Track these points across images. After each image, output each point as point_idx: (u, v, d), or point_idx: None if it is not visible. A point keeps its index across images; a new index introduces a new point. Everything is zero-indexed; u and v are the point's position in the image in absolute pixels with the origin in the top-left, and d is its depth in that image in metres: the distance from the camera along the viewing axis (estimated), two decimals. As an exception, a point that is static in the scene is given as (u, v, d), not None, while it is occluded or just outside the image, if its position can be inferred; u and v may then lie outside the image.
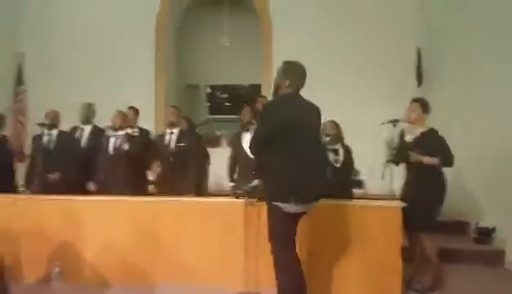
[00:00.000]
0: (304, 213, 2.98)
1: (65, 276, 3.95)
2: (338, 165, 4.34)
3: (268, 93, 7.59)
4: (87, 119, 5.32)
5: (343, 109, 5.95)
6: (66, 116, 5.31)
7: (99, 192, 4.64)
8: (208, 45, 8.91)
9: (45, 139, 4.75)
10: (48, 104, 5.55)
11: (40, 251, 4.00)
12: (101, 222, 4.00)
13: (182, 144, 4.86)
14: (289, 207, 2.83)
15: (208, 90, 10.81)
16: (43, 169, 4.51)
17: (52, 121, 4.88)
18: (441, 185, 3.81)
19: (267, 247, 2.99)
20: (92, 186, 4.80)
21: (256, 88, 8.44)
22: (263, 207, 3.44)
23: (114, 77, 7.58)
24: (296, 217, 2.94)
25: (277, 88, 3.03)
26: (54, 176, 4.63)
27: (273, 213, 2.89)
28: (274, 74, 7.21)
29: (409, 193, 3.85)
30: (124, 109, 5.16)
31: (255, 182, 3.68)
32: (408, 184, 3.91)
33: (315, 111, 3.04)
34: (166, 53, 8.08)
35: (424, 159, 3.74)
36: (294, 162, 2.82)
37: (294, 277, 2.90)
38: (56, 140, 4.81)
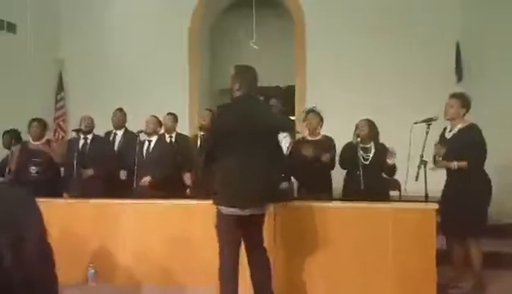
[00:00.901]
0: (249, 217, 2.92)
1: (100, 277, 4.05)
2: (366, 163, 4.20)
3: (302, 93, 7.61)
4: (119, 124, 5.50)
5: (380, 107, 5.86)
6: (105, 121, 5.55)
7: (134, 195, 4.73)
8: (242, 48, 8.92)
9: (80, 143, 4.90)
10: (87, 109, 5.78)
11: (75, 253, 4.13)
12: (135, 225, 4.08)
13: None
14: (226, 210, 2.88)
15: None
16: (78, 172, 4.64)
17: (87, 126, 5.03)
18: (487, 186, 3.63)
19: (291, 250, 2.95)
20: (123, 175, 4.87)
21: (292, 89, 8.38)
22: (288, 210, 3.42)
23: (149, 82, 7.73)
24: (237, 221, 2.91)
25: (231, 92, 3.08)
26: (89, 172, 4.76)
27: (216, 215, 2.96)
28: (308, 75, 7.27)
29: (451, 196, 3.69)
30: (158, 114, 5.29)
31: (284, 184, 3.64)
32: (450, 186, 3.75)
33: (267, 113, 3.04)
34: (200, 57, 8.15)
35: (450, 165, 3.58)
36: (232, 166, 2.86)
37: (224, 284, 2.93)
38: (90, 145, 4.96)
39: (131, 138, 5.26)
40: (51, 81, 8.20)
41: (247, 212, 2.89)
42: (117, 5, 8.25)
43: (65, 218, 4.22)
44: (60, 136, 7.90)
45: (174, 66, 7.77)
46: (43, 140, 5.22)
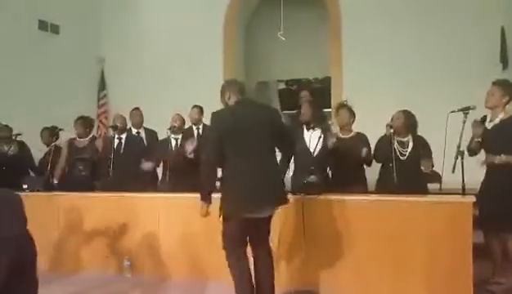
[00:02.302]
0: (255, 220, 2.90)
1: (135, 269, 4.19)
2: (403, 158, 4.06)
3: (338, 85, 7.48)
4: (137, 123, 5.74)
5: (419, 98, 5.64)
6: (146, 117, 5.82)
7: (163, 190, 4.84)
8: (276, 40, 8.86)
9: (116, 141, 5.06)
10: (127, 106, 5.97)
11: (111, 245, 4.29)
12: (168, 218, 4.17)
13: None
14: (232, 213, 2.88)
15: (279, 86, 10.79)
16: (114, 169, 4.79)
17: (121, 124, 5.18)
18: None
19: (321, 244, 2.90)
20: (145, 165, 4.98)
21: (328, 81, 8.26)
22: (317, 203, 3.37)
23: (184, 78, 7.85)
24: (243, 224, 2.90)
25: (225, 102, 3.11)
26: (148, 166, 4.91)
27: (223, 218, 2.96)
28: (344, 66, 7.12)
29: (491, 189, 3.52)
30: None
31: (312, 177, 3.59)
32: (490, 179, 3.57)
33: (267, 113, 3.02)
34: (235, 50, 8.19)
35: (495, 160, 3.39)
36: (236, 169, 2.87)
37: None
38: (125, 142, 5.10)
39: (152, 135, 5.55)
40: (93, 79, 8.51)
41: (254, 215, 2.89)
42: (153, 3, 8.43)
43: (102, 212, 4.38)
44: (103, 133, 8.19)
45: (209, 61, 7.86)
46: (89, 137, 5.40)
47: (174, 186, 4.58)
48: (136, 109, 5.86)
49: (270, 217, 3.05)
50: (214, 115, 2.97)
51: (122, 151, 5.00)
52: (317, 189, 3.58)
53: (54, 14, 7.67)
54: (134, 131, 5.70)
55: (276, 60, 8.99)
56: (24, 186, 4.80)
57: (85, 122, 5.40)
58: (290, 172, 3.93)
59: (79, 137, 5.37)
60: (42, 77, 7.24)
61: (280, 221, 3.71)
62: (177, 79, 7.91)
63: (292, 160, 4.34)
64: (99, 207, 4.42)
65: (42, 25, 7.50)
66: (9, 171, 5.18)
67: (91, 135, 5.46)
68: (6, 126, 5.57)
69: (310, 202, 3.57)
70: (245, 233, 2.99)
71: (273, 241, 3.70)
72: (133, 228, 4.26)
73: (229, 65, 8.01)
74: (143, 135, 5.75)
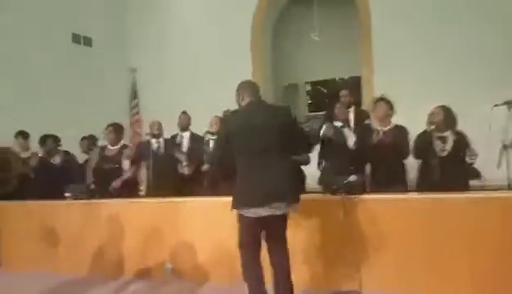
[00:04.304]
0: (267, 218, 2.90)
1: (176, 273, 4.24)
2: (443, 154, 3.98)
3: (369, 83, 7.40)
4: (184, 126, 5.75)
5: (453, 93, 5.52)
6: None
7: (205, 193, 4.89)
8: (304, 41, 8.87)
9: (154, 146, 5.14)
10: (158, 114, 6.07)
11: (153, 249, 4.35)
12: (209, 221, 4.20)
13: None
14: (246, 212, 2.91)
15: (307, 87, 10.75)
16: (153, 172, 4.87)
17: (158, 130, 5.26)
18: None
19: (363, 244, 2.86)
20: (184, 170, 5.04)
21: (356, 80, 8.18)
22: (359, 202, 3.34)
23: (213, 82, 7.93)
24: (255, 222, 2.92)
25: (239, 103, 3.16)
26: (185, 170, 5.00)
27: (237, 218, 3.01)
28: (375, 65, 7.05)
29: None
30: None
31: (352, 177, 3.56)
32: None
33: (277, 114, 3.03)
34: (263, 53, 8.23)
35: None
36: (245, 168, 2.92)
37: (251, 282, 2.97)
38: (164, 147, 5.19)
39: (198, 139, 5.52)
40: (125, 89, 8.71)
41: (267, 212, 2.89)
42: (181, 12, 8.55)
43: (142, 217, 4.46)
44: (137, 141, 8.36)
45: (237, 65, 7.91)
46: (120, 144, 5.40)
47: (215, 189, 4.63)
48: (184, 112, 5.89)
49: (282, 217, 3.04)
50: (224, 116, 3.05)
51: (161, 155, 5.07)
52: (358, 188, 3.54)
53: (87, 27, 7.92)
54: (181, 134, 5.73)
55: (304, 61, 8.98)
56: (67, 194, 4.94)
57: (114, 130, 5.39)
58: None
59: (110, 145, 5.40)
60: (76, 88, 7.47)
61: (320, 221, 3.69)
62: (206, 84, 8.00)
63: (323, 157, 4.37)
64: (139, 212, 4.51)
65: (76, 38, 7.76)
66: (55, 180, 5.34)
67: (121, 143, 5.45)
68: (53, 136, 5.76)
69: (351, 202, 3.54)
70: (258, 233, 3.02)
71: (313, 241, 3.71)
72: (174, 232, 4.31)
73: (257, 68, 8.05)
74: (186, 138, 5.76)
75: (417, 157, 4.20)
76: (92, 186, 5.17)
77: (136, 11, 8.85)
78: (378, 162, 4.20)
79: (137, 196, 5.33)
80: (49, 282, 4.38)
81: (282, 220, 3.05)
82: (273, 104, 3.30)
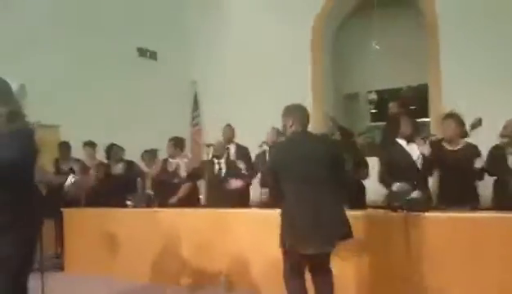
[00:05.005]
0: (316, 255, 2.80)
1: (231, 285, 4.19)
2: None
3: (436, 92, 7.01)
4: (228, 139, 5.82)
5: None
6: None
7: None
8: (365, 49, 8.61)
9: (216, 167, 5.22)
10: (219, 125, 6.14)
11: (207, 260, 4.35)
12: (263, 233, 4.11)
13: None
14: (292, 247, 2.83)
15: (370, 96, 10.40)
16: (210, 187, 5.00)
17: (221, 152, 5.32)
18: None
19: (429, 264, 2.63)
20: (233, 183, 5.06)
21: (422, 88, 7.79)
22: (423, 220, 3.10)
23: (273, 92, 7.85)
24: (302, 258, 2.85)
25: (284, 128, 3.12)
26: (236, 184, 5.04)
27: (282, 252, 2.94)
28: (442, 73, 6.70)
29: None
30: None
31: (416, 193, 3.33)
32: None
33: (324, 146, 2.99)
34: (323, 62, 8.13)
35: None
36: (291, 206, 2.85)
37: None
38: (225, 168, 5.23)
39: (243, 151, 5.62)
40: (186, 101, 8.94)
41: (316, 250, 2.80)
42: (242, 25, 8.65)
43: (199, 227, 4.48)
44: (199, 159, 8.52)
45: (297, 75, 7.85)
46: (179, 156, 5.60)
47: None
48: (228, 125, 6.01)
49: (328, 253, 2.94)
50: (271, 149, 3.06)
51: (222, 175, 5.13)
52: (422, 205, 3.30)
53: (152, 41, 8.25)
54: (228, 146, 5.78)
55: (366, 69, 8.72)
56: (128, 202, 5.10)
57: (175, 144, 5.61)
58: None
59: (170, 157, 5.61)
60: (141, 100, 7.76)
61: (380, 240, 3.48)
62: (266, 95, 7.98)
63: (387, 172, 4.14)
64: (196, 222, 4.54)
65: (142, 52, 8.11)
66: (118, 188, 5.55)
67: (181, 155, 5.65)
68: (118, 146, 6.02)
69: (414, 220, 3.30)
70: (303, 266, 2.95)
71: (372, 261, 3.50)
72: (229, 242, 4.28)
73: (317, 77, 7.95)
74: (232, 150, 5.82)
75: (491, 174, 3.85)
76: (152, 196, 5.31)
77: (198, 24, 9.07)
78: (447, 178, 3.91)
79: (196, 205, 5.38)
80: (108, 286, 4.52)
81: (330, 254, 2.96)
82: (321, 135, 3.33)
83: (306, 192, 2.81)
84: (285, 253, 2.95)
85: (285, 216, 2.89)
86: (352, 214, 3.66)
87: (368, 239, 3.53)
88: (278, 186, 2.94)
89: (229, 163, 5.27)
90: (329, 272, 2.98)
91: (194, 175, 5.37)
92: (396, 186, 3.36)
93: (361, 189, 4.60)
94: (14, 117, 2.05)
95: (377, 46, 7.03)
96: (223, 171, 5.15)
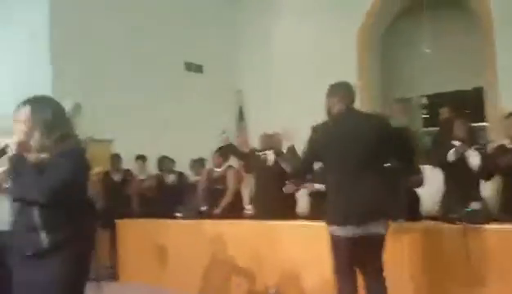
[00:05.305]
0: (362, 239, 2.65)
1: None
2: None
3: (493, 95, 6.65)
4: (266, 146, 5.57)
5: None
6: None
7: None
8: (416, 53, 8.34)
9: (262, 157, 5.23)
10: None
11: (256, 272, 4.32)
12: (313, 246, 4.03)
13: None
14: (337, 230, 2.72)
15: (423, 100, 10.05)
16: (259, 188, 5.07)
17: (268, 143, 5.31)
18: None
19: (492, 280, 2.45)
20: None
21: (478, 92, 7.44)
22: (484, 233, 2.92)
23: (320, 100, 7.77)
24: (349, 243, 2.69)
25: (329, 110, 2.97)
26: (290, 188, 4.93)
27: (330, 240, 2.82)
28: (499, 75, 6.38)
29: None
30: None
31: (476, 204, 3.14)
32: None
33: (371, 124, 2.77)
34: (371, 66, 7.96)
35: None
36: (336, 183, 2.78)
37: None
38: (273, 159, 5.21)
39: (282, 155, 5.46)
40: (232, 111, 9.02)
41: (359, 232, 2.65)
42: (286, 34, 8.63)
43: (248, 238, 4.47)
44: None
45: (343, 76, 7.67)
46: (224, 166, 5.61)
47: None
48: (264, 134, 5.82)
49: (379, 240, 2.74)
50: (313, 129, 2.96)
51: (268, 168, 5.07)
52: (483, 217, 3.10)
53: (198, 55, 8.42)
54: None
55: (417, 73, 8.45)
56: (178, 214, 5.19)
57: (221, 154, 5.63)
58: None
59: (215, 167, 5.65)
60: (188, 112, 7.91)
61: (436, 255, 3.30)
62: (312, 102, 7.86)
63: (442, 180, 3.93)
64: (243, 233, 4.52)
65: (188, 66, 8.30)
66: (169, 199, 5.67)
67: (226, 165, 5.64)
68: (168, 158, 6.15)
69: (474, 233, 3.10)
70: (352, 257, 2.77)
71: (427, 278, 3.32)
72: (277, 255, 4.23)
73: (365, 82, 7.74)
74: (272, 156, 5.71)
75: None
76: (202, 207, 5.38)
77: (243, 35, 9.15)
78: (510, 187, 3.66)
79: (243, 216, 5.38)
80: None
81: (378, 243, 2.76)
82: (369, 113, 3.13)
83: (352, 173, 2.70)
84: (333, 245, 2.81)
85: (330, 198, 2.82)
86: (405, 226, 3.56)
87: (424, 253, 3.36)
88: (308, 163, 3.01)
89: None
90: (380, 273, 2.79)
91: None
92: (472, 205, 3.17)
93: (415, 199, 4.40)
94: (65, 137, 2.12)
95: (427, 50, 6.77)
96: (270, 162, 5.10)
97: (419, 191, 4.45)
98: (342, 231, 2.70)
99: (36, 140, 2.09)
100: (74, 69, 6.53)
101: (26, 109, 2.11)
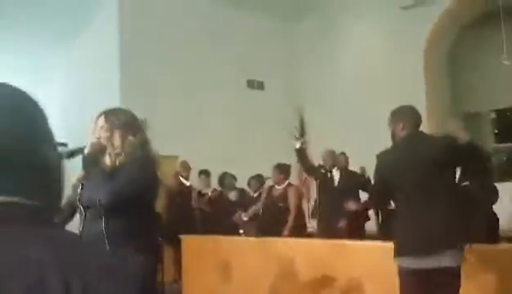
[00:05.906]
0: (435, 272, 2.43)
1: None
2: None
3: None
4: (330, 165, 5.61)
5: None
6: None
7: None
8: (488, 65, 7.89)
9: (328, 175, 5.24)
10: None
11: (324, 292, 4.19)
12: (379, 267, 3.87)
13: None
14: (405, 262, 2.55)
15: (493, 115, 9.47)
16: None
17: (332, 162, 5.30)
18: None
19: None
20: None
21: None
22: None
23: (383, 116, 7.56)
24: (419, 278, 2.49)
25: (393, 135, 2.87)
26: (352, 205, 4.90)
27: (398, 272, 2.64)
28: None
29: None
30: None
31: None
32: None
33: (437, 147, 2.61)
34: (438, 81, 7.69)
35: None
36: (404, 211, 2.69)
37: None
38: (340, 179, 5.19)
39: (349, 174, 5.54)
40: (293, 127, 8.97)
41: (432, 263, 2.44)
42: (347, 51, 8.52)
43: (312, 257, 4.36)
44: (304, 178, 8.41)
45: (411, 96, 7.39)
46: (285, 183, 5.52)
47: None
48: (327, 151, 5.87)
49: (452, 274, 2.48)
50: (378, 156, 2.88)
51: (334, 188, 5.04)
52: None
53: (260, 72, 8.55)
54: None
55: (487, 87, 7.98)
56: (241, 231, 5.20)
57: (280, 169, 5.54)
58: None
59: (275, 184, 5.55)
60: (250, 128, 7.98)
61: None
62: (377, 122, 7.66)
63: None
64: (309, 252, 4.42)
65: (250, 83, 8.43)
66: (231, 215, 5.72)
67: (286, 182, 5.55)
68: (230, 174, 6.23)
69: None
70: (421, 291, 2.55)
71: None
72: (345, 276, 4.07)
73: (433, 97, 7.47)
74: (337, 175, 5.61)
75: None
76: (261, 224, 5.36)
77: (305, 51, 9.17)
78: None
79: (307, 235, 5.29)
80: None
81: (452, 277, 2.49)
82: (435, 136, 2.98)
83: (418, 198, 2.60)
84: (400, 276, 2.64)
85: (398, 227, 2.72)
86: (483, 249, 3.30)
87: (504, 278, 3.08)
88: (383, 194, 2.91)
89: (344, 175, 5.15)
90: None
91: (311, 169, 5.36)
92: None
93: (493, 219, 4.09)
94: (144, 145, 2.17)
95: (506, 62, 6.38)
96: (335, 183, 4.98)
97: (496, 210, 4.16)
98: (410, 263, 2.56)
99: (116, 145, 2.14)
100: (140, 87, 6.86)
101: (108, 115, 2.19)
